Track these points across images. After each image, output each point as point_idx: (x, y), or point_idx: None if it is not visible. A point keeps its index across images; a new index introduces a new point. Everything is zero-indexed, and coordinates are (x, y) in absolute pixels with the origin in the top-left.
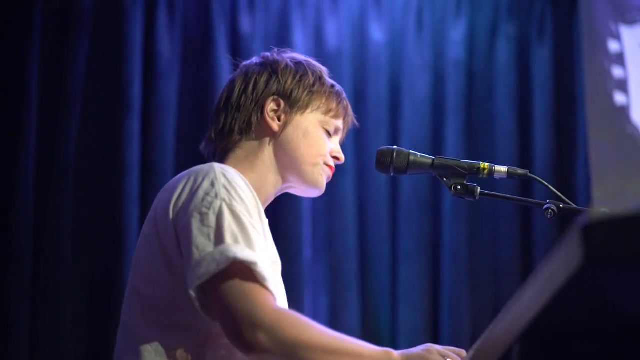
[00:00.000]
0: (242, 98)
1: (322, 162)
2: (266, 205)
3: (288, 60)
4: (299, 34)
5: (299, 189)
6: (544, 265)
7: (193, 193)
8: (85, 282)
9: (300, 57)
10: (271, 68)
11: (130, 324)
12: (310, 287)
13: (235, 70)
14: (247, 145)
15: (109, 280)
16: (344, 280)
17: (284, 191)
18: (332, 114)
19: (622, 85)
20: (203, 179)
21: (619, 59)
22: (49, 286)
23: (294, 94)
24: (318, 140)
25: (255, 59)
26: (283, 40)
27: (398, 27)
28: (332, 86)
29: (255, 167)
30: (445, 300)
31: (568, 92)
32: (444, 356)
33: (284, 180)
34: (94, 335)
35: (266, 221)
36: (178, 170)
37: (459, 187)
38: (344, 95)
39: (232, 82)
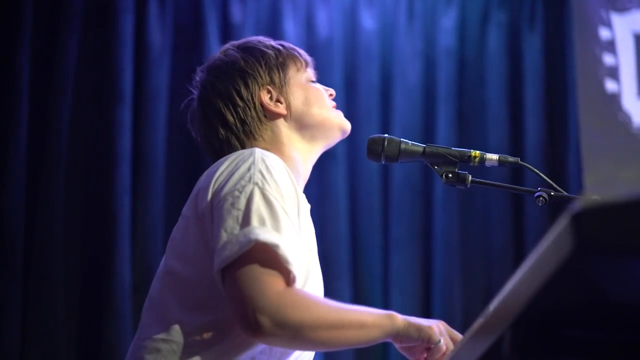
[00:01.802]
0: (241, 114)
1: (331, 107)
2: (304, 185)
3: (239, 54)
4: (290, 22)
5: (331, 143)
6: (535, 253)
7: (230, 176)
8: (77, 272)
9: (243, 43)
10: (238, 72)
11: (160, 300)
12: None
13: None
14: (267, 136)
15: (101, 270)
16: (336, 268)
17: (316, 159)
18: (302, 67)
19: (613, 73)
20: (242, 163)
21: (610, 46)
22: (41, 277)
23: (273, 76)
24: (316, 94)
25: (207, 76)
26: (274, 29)
27: (389, 15)
28: (282, 46)
29: (285, 151)
30: (436, 288)
31: (559, 80)
32: (446, 336)
33: (313, 141)
34: (86, 325)
35: (308, 207)
36: (169, 159)
37: (450, 175)
38: (292, 45)
39: (213, 109)
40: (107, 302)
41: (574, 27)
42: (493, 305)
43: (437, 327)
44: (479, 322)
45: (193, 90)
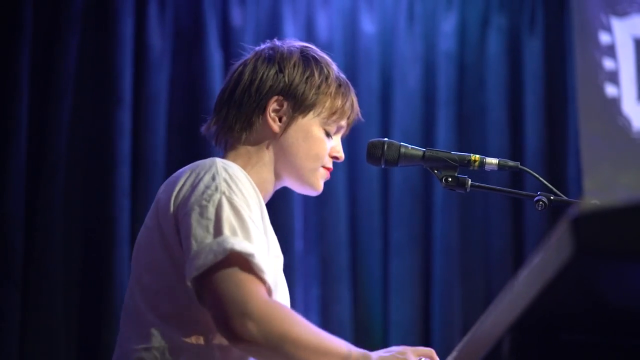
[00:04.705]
0: (245, 95)
1: (319, 166)
2: (266, 201)
3: (297, 56)
4: (290, 26)
5: (295, 188)
6: (534, 257)
7: (194, 186)
8: (76, 275)
9: (311, 50)
10: (279, 64)
11: (135, 310)
12: (301, 279)
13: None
14: (248, 142)
15: (100, 273)
16: (335, 272)
17: (282, 186)
18: (335, 116)
19: (613, 77)
20: (205, 173)
21: (610, 50)
22: (40, 279)
23: (298, 95)
24: (318, 143)
25: (267, 48)
26: (274, 32)
27: (389, 19)
28: (339, 85)
29: (254, 164)
30: (436, 292)
31: (559, 84)
32: (419, 355)
33: (281, 179)
34: (85, 328)
35: (267, 216)
36: (169, 163)
37: (450, 179)
38: (351, 91)
39: (241, 72)
40: (107, 306)
41: (575, 31)
42: (493, 309)
43: (409, 353)
44: (478, 326)
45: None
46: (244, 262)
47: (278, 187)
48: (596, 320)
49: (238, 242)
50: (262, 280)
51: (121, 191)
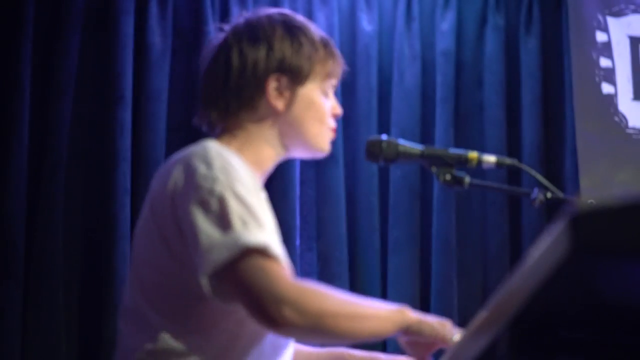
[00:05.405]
0: (242, 81)
1: (326, 129)
2: (265, 177)
3: (281, 29)
4: None
5: (302, 155)
6: (531, 254)
7: (190, 178)
8: (77, 273)
9: (291, 19)
10: (267, 42)
11: (137, 309)
12: (300, 276)
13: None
14: (250, 124)
15: (101, 270)
16: (334, 269)
17: (286, 159)
18: (329, 77)
19: (609, 75)
20: (199, 163)
21: (606, 49)
22: (41, 277)
23: (294, 68)
24: (320, 108)
25: (242, 25)
26: None
27: (387, 17)
28: (324, 47)
29: (252, 142)
30: (434, 289)
31: (556, 82)
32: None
33: (287, 151)
34: (87, 325)
35: (265, 196)
36: None
37: (448, 177)
38: (334, 47)
39: (226, 58)
40: (107, 304)
41: (571, 30)
42: (490, 305)
43: (447, 324)
44: (476, 322)
45: (223, 27)
46: (261, 253)
47: (281, 161)
48: (594, 318)
49: (251, 236)
50: (281, 265)
51: (122, 189)
